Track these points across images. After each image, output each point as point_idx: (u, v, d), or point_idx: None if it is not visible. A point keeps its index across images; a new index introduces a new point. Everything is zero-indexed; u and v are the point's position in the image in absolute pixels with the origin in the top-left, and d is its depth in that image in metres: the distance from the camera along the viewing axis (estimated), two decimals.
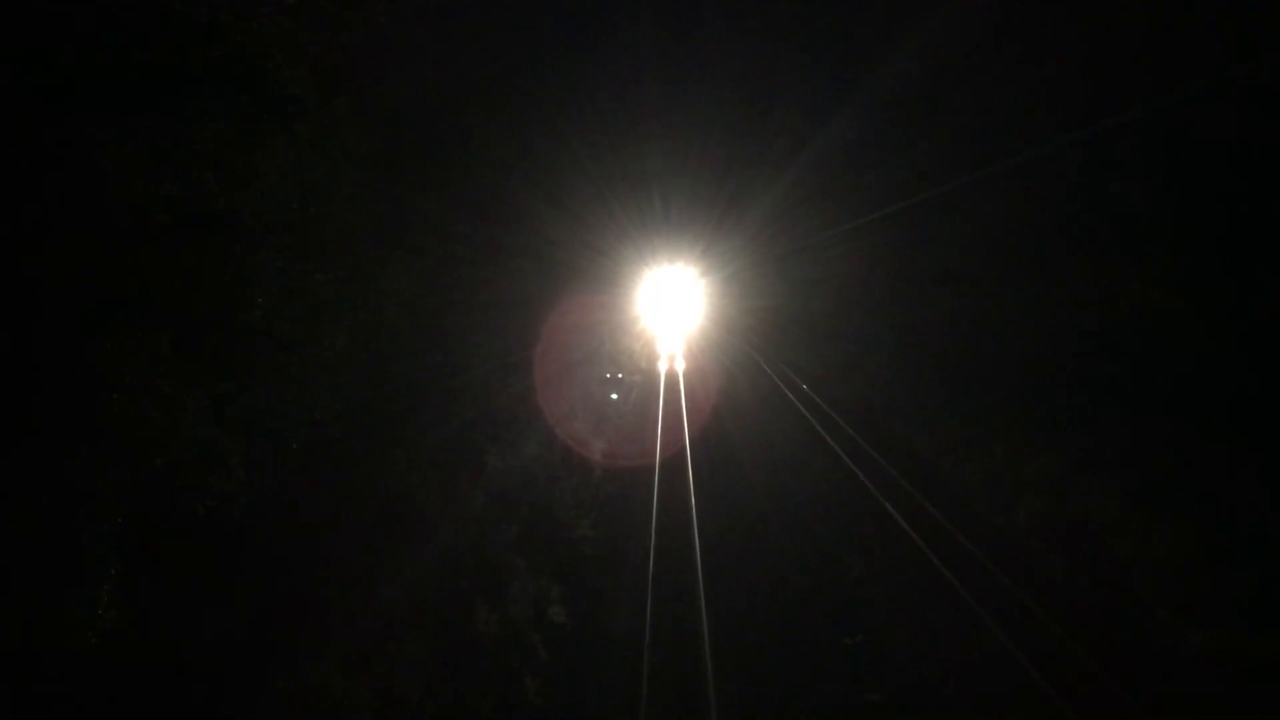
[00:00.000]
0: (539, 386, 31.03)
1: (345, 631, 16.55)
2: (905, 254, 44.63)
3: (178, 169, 13.65)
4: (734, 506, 28.75)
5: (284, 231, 16.30)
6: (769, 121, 53.97)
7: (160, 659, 13.76)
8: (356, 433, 19.31)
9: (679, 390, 48.64)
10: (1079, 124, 28.14)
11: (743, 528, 26.75)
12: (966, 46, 35.76)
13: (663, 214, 57.96)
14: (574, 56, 38.23)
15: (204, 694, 14.03)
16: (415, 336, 22.03)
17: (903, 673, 18.55)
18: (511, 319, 28.74)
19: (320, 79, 16.38)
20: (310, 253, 17.23)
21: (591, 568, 24.23)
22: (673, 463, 33.43)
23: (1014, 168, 31.69)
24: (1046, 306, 30.66)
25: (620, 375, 49.14)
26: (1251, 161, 22.72)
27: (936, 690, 17.88)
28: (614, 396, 45.50)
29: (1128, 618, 19.87)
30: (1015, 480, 26.85)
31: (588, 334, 40.16)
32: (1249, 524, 19.94)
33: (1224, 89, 22.41)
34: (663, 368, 56.50)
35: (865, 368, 46.40)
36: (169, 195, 13.58)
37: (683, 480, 31.07)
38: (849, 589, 22.47)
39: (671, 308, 74.55)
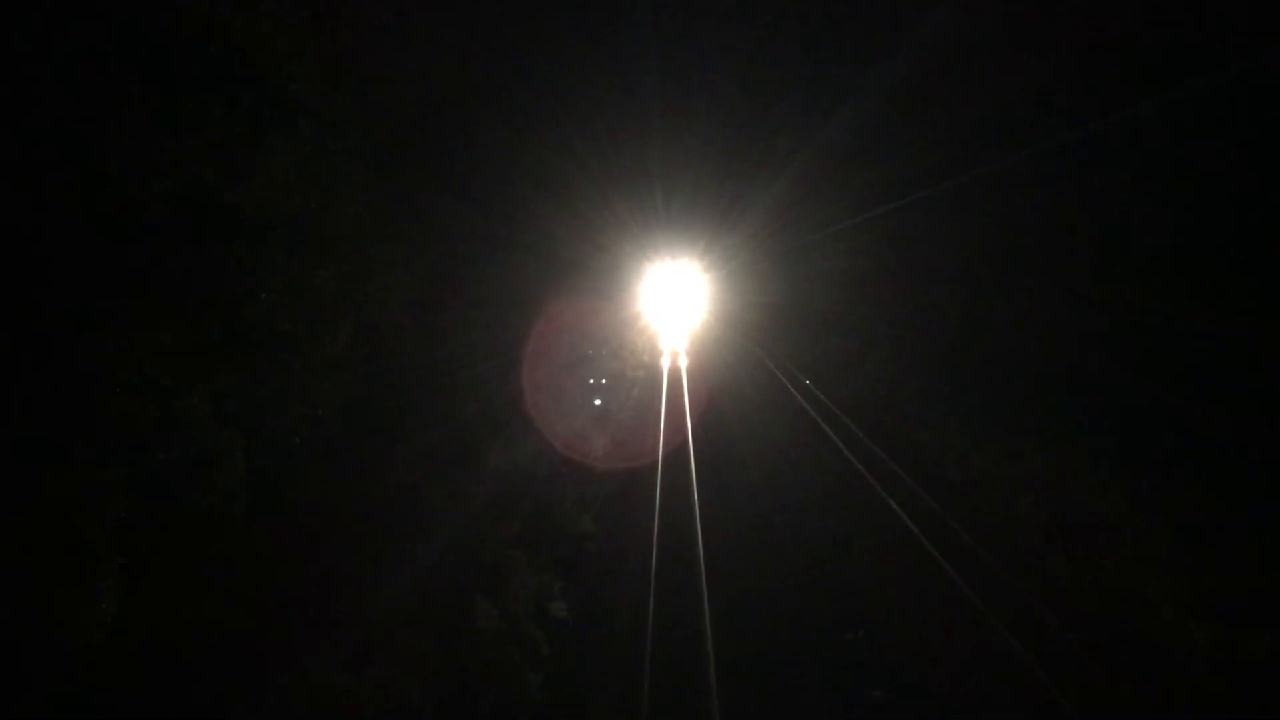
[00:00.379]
0: (541, 383, 30.93)
1: (347, 627, 16.55)
2: (908, 251, 44.53)
3: (179, 165, 13.64)
4: (736, 502, 28.74)
5: (285, 228, 16.27)
6: (771, 117, 53.79)
7: (162, 654, 13.78)
8: (358, 429, 19.27)
9: (681, 386, 48.57)
10: (1080, 122, 28.10)
11: (744, 523, 26.75)
12: (969, 43, 35.65)
13: (665, 209, 57.71)
14: (576, 52, 38.11)
15: (206, 689, 14.05)
16: (416, 333, 21.98)
17: (903, 668, 18.57)
18: (513, 315, 28.65)
19: (322, 75, 16.37)
20: (311, 249, 17.19)
21: (593, 564, 24.22)
22: (675, 458, 33.39)
23: (1016, 165, 31.63)
24: (1049, 304, 30.60)
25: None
26: (1251, 160, 22.70)
27: (936, 685, 17.90)
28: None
29: (1128, 614, 19.85)
30: (1017, 477, 26.81)
31: (590, 330, 40.04)
32: (1249, 522, 19.92)
33: (1224, 87, 22.38)
34: (665, 363, 56.38)
35: (868, 364, 46.30)
36: (170, 191, 13.58)
37: (685, 476, 31.04)
38: (850, 584, 22.47)
39: (674, 303, 74.37)
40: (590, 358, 39.23)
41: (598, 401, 37.98)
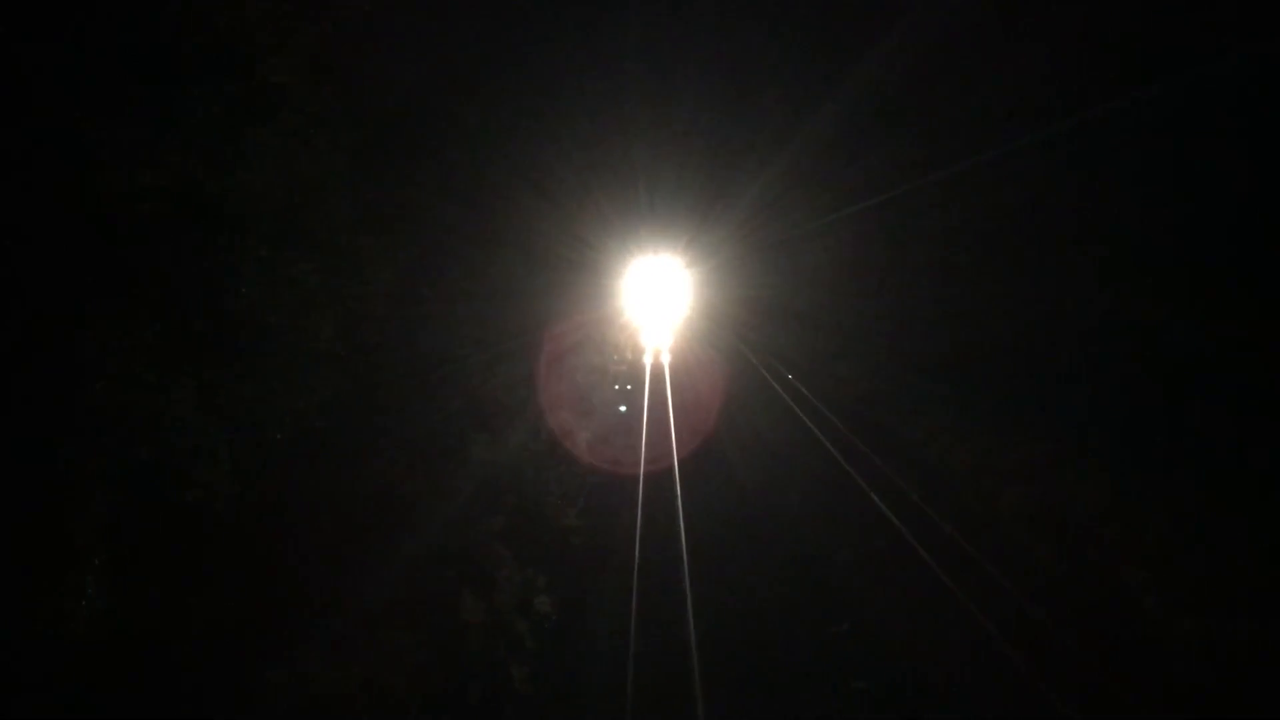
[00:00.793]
0: (525, 377, 30.95)
1: (332, 622, 16.49)
2: (893, 244, 44.76)
3: (162, 158, 13.55)
4: (720, 496, 28.80)
5: (269, 221, 16.19)
6: (756, 110, 53.96)
7: (147, 650, 13.70)
8: (342, 423, 19.21)
9: (664, 382, 48.60)
10: (1067, 115, 28.21)
11: (728, 517, 26.81)
12: (956, 36, 35.80)
13: (648, 203, 57.80)
14: (560, 46, 38.12)
15: (191, 685, 13.97)
16: (401, 326, 21.93)
17: (890, 661, 18.59)
18: (497, 309, 28.61)
19: (306, 67, 16.28)
20: (296, 242, 17.11)
21: (578, 558, 24.26)
22: (659, 452, 33.48)
23: (1002, 158, 31.79)
24: (1034, 296, 30.76)
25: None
26: (1240, 153, 22.82)
27: (923, 678, 17.93)
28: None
29: (1115, 606, 19.96)
30: (1002, 469, 26.95)
31: (573, 324, 40.04)
32: (1236, 512, 20.05)
33: (1212, 80, 22.49)
34: (648, 360, 56.35)
35: (853, 358, 46.51)
36: (153, 184, 13.50)
37: (669, 470, 31.10)
38: (836, 577, 22.52)
39: (657, 298, 74.40)
40: (574, 352, 39.21)
41: (582, 396, 38.00)
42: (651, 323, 69.94)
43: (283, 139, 16.34)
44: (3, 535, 11.99)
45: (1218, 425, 21.38)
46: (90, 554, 12.55)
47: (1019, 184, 32.04)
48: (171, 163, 13.77)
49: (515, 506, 24.07)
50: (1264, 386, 20.88)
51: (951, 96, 36.95)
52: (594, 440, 34.49)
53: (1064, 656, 17.83)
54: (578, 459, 31.57)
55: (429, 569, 19.65)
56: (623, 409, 44.39)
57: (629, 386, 47.07)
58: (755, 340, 61.47)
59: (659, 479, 30.43)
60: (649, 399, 44.11)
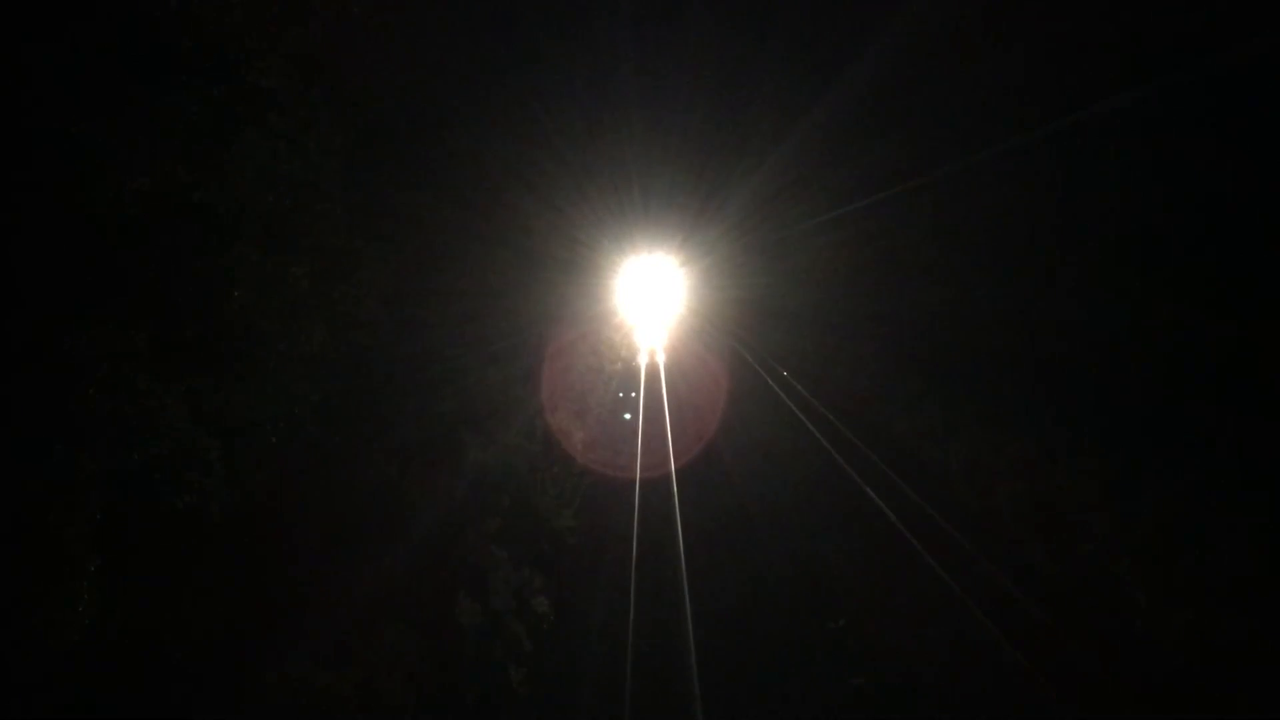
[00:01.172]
0: (519, 378, 30.97)
1: (327, 624, 16.50)
2: (887, 243, 44.75)
3: (151, 162, 13.54)
4: (716, 495, 28.84)
5: (259, 224, 16.19)
6: (749, 111, 53.99)
7: (141, 654, 13.71)
8: (335, 426, 19.23)
9: (660, 381, 48.62)
10: (1059, 115, 28.27)
11: (724, 516, 26.84)
12: (945, 38, 35.86)
13: (642, 203, 57.83)
14: (552, 45, 38.13)
15: (185, 689, 13.98)
16: (393, 328, 21.93)
17: (885, 657, 18.65)
18: (490, 310, 28.65)
19: (295, 70, 16.28)
20: (286, 246, 17.11)
21: (574, 558, 24.29)
22: (654, 450, 33.51)
23: (994, 158, 31.84)
24: (1026, 294, 30.79)
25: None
26: (1229, 153, 22.88)
27: (918, 673, 17.99)
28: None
29: (1107, 600, 20.02)
30: (995, 465, 26.99)
31: (568, 325, 40.08)
32: (1226, 507, 20.09)
33: (1202, 80, 22.54)
34: (643, 360, 56.34)
35: (847, 356, 46.53)
36: (143, 189, 13.48)
37: (664, 470, 31.13)
38: (831, 574, 22.56)
39: (651, 298, 74.44)
40: (568, 352, 39.24)
41: (577, 396, 38.02)
42: (646, 322, 70.00)
43: (273, 142, 16.33)
44: None
45: (1209, 421, 21.43)
46: (84, 559, 12.53)
47: (1010, 184, 32.10)
48: (162, 167, 13.76)
49: (510, 507, 24.09)
50: (1256, 382, 20.94)
51: (942, 98, 37.02)
52: (589, 440, 34.54)
53: (1058, 651, 17.89)
54: (573, 459, 31.61)
55: (424, 571, 19.67)
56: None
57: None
58: (749, 339, 61.53)
59: (654, 478, 30.46)
60: (644, 398, 44.16)
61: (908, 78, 40.01)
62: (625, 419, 43.94)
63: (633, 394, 46.96)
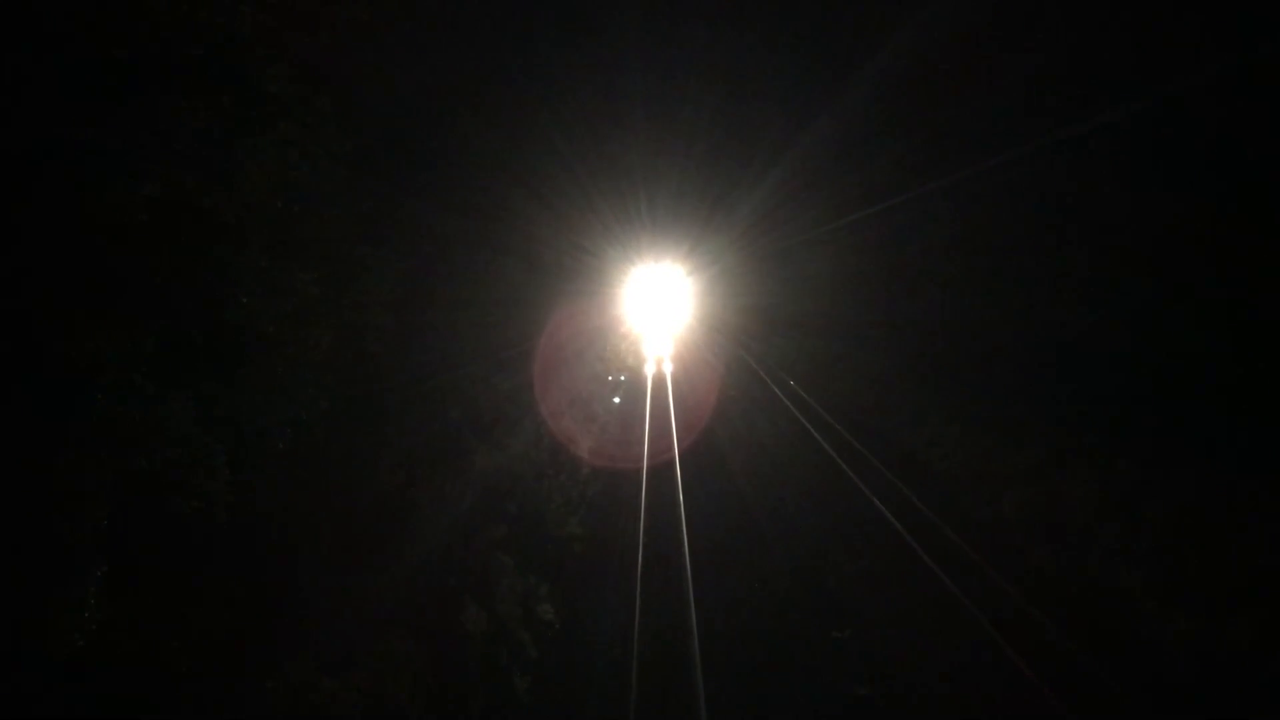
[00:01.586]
0: (525, 385, 31.00)
1: (332, 631, 16.50)
2: (893, 251, 44.75)
3: (158, 168, 13.58)
4: (722, 503, 28.81)
5: (267, 230, 16.21)
6: (755, 118, 53.96)
7: (146, 659, 13.70)
8: (342, 432, 19.23)
9: (666, 392, 48.55)
10: (1066, 122, 28.25)
11: (731, 524, 26.82)
12: (955, 43, 35.85)
13: (648, 211, 57.83)
14: (559, 53, 38.18)
15: (190, 694, 13.98)
16: (401, 335, 21.94)
17: (890, 666, 18.60)
18: (497, 317, 28.68)
19: (303, 77, 16.31)
20: (294, 252, 17.13)
21: (580, 566, 24.27)
22: (661, 459, 33.50)
23: (1001, 165, 31.81)
24: (1033, 302, 30.78)
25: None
26: (1235, 160, 22.84)
27: (924, 682, 17.94)
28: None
29: (1114, 609, 19.96)
30: (1001, 473, 26.95)
31: (574, 333, 40.11)
32: (1232, 515, 20.04)
33: (1210, 88, 22.51)
34: (650, 370, 56.24)
35: (853, 364, 46.52)
36: (150, 194, 13.52)
37: (670, 477, 31.11)
38: (836, 583, 22.52)
39: (658, 306, 74.41)
40: (575, 360, 39.27)
41: (584, 404, 38.05)
42: (653, 331, 69.98)
43: (280, 148, 16.36)
44: (2, 546, 11.99)
45: (1217, 429, 21.39)
46: (90, 563, 12.55)
47: (1015, 192, 32.10)
48: (170, 172, 13.80)
49: (517, 515, 24.10)
50: (1260, 389, 20.89)
51: (949, 105, 37.01)
52: (596, 448, 34.54)
53: (1064, 660, 17.82)
54: (580, 467, 31.61)
55: (430, 578, 19.67)
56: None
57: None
58: (756, 347, 61.51)
59: (661, 486, 30.44)
60: (651, 407, 44.15)
61: (916, 85, 40.01)
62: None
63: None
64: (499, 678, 18.32)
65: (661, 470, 32.22)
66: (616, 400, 45.28)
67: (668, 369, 58.06)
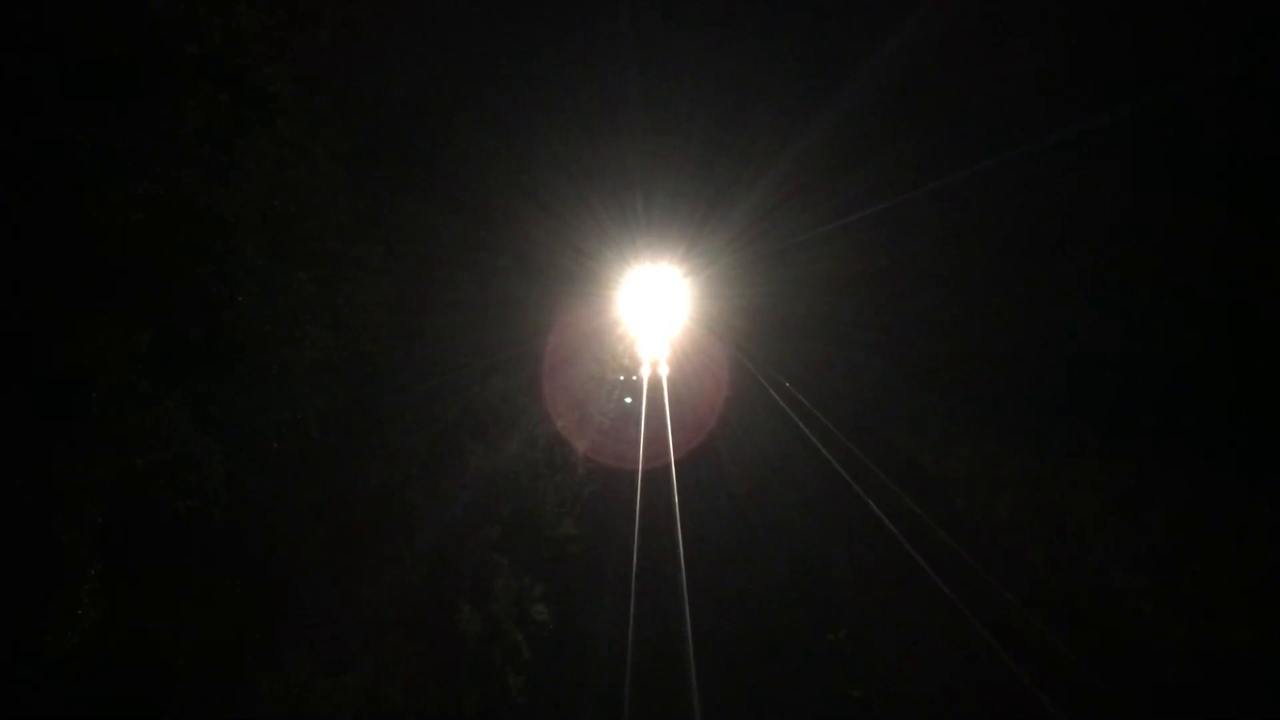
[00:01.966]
0: (521, 387, 30.99)
1: (327, 631, 16.49)
2: (891, 253, 44.79)
3: (156, 166, 13.56)
4: (717, 505, 28.80)
5: (264, 230, 16.21)
6: (752, 119, 54.00)
7: (141, 659, 13.69)
8: (338, 433, 19.22)
9: (662, 394, 48.51)
10: (1063, 123, 28.29)
11: (726, 525, 26.80)
12: (952, 46, 35.89)
13: (644, 212, 57.78)
14: (554, 53, 38.20)
15: (185, 695, 13.97)
16: (397, 336, 21.94)
17: (885, 668, 18.59)
18: (493, 319, 28.68)
19: (300, 76, 16.31)
20: (291, 251, 17.14)
21: (575, 567, 24.25)
22: (656, 460, 33.50)
23: (998, 167, 31.87)
24: (1029, 305, 30.80)
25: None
26: (1235, 162, 22.87)
27: (918, 685, 17.94)
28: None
29: (1108, 612, 19.97)
30: (997, 476, 26.96)
31: (570, 334, 40.09)
32: (1228, 519, 20.07)
33: (1212, 88, 22.54)
34: (645, 372, 56.08)
35: (850, 366, 46.54)
36: (147, 193, 13.50)
37: (665, 478, 31.11)
38: (831, 585, 22.51)
39: (654, 308, 74.30)
40: (571, 362, 39.24)
41: (579, 405, 38.01)
42: (649, 332, 69.91)
43: (278, 148, 16.37)
44: None
45: (1211, 432, 21.42)
46: (86, 562, 12.53)
47: (1011, 194, 32.14)
48: (168, 171, 13.79)
49: (512, 516, 24.09)
50: (1258, 393, 20.92)
51: (946, 106, 37.07)
52: (592, 449, 34.52)
53: (1059, 662, 17.84)
54: (575, 468, 31.59)
55: (425, 578, 19.66)
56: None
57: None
58: (753, 349, 61.48)
59: (657, 488, 30.42)
60: (646, 408, 44.14)
61: (915, 85, 40.05)
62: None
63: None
64: (493, 678, 18.30)
65: (657, 471, 32.21)
66: (612, 402, 45.25)
67: (664, 370, 58.00)
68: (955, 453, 30.24)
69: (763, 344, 61.66)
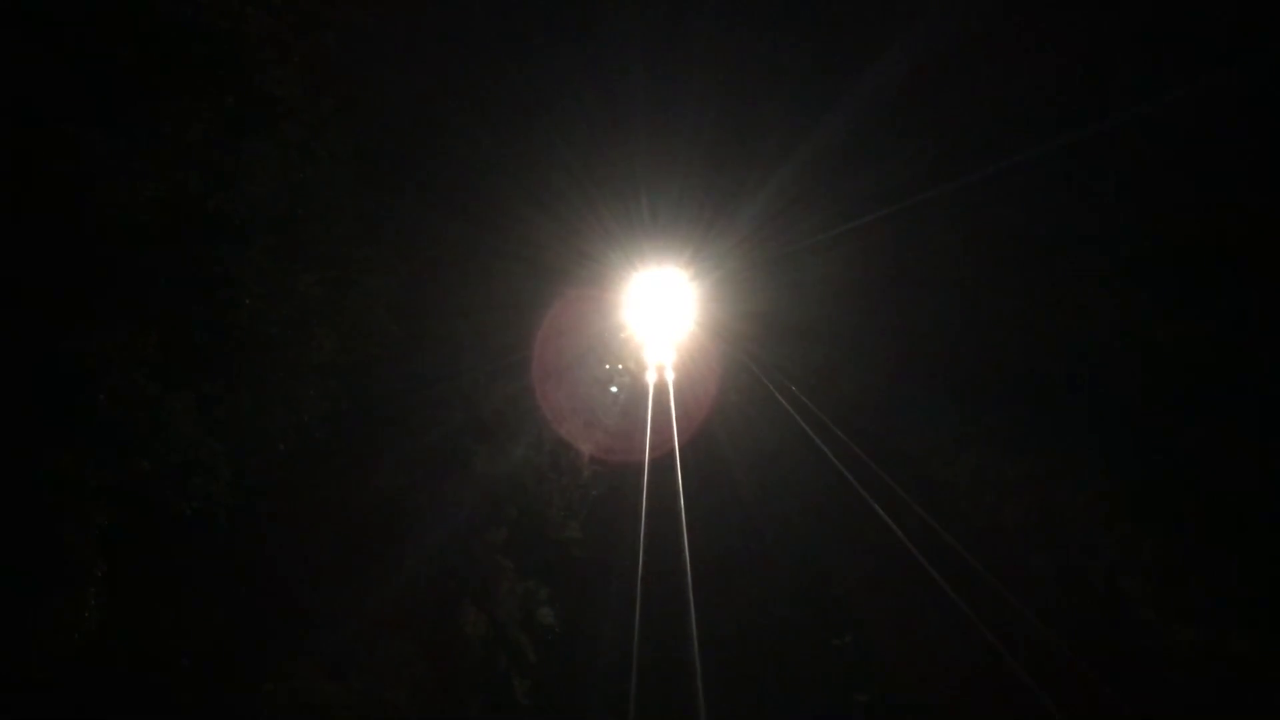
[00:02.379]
0: (527, 390, 30.97)
1: (332, 633, 16.49)
2: (898, 257, 44.67)
3: (163, 169, 13.60)
4: (723, 509, 28.77)
5: (270, 232, 16.24)
6: (759, 121, 53.90)
7: (145, 661, 13.70)
8: (344, 435, 19.23)
9: (669, 403, 48.30)
10: (1071, 128, 28.21)
11: (731, 529, 26.77)
12: (960, 49, 35.82)
13: (650, 216, 57.68)
14: (560, 56, 38.22)
15: (189, 696, 13.97)
16: (402, 339, 21.95)
17: (890, 672, 18.58)
18: (498, 322, 28.66)
19: (306, 79, 16.33)
20: (297, 254, 17.17)
21: (580, 570, 24.23)
22: (662, 465, 33.46)
23: (1005, 171, 31.76)
24: (1036, 309, 30.72)
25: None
26: (1240, 168, 22.80)
27: (923, 689, 17.91)
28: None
29: (1114, 617, 19.91)
30: (1003, 481, 26.89)
31: (574, 338, 40.08)
32: (1234, 524, 20.00)
33: (1219, 91, 22.48)
34: (651, 378, 55.85)
35: (856, 371, 46.41)
36: (155, 196, 13.53)
37: (673, 483, 31.06)
38: (838, 590, 22.48)
39: (660, 312, 74.10)
40: (576, 365, 39.22)
41: (584, 410, 38.00)
42: (655, 336, 69.78)
43: (284, 151, 16.40)
44: (3, 546, 11.99)
45: (1217, 438, 21.34)
46: (90, 564, 12.55)
47: (1019, 199, 32.06)
48: (175, 174, 13.82)
49: (517, 519, 24.07)
50: (1263, 399, 20.85)
51: (956, 109, 36.99)
52: (597, 453, 34.50)
53: (1064, 668, 17.78)
54: (580, 471, 31.58)
55: (430, 581, 19.65)
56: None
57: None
58: (759, 353, 61.32)
59: (662, 490, 30.38)
60: (653, 411, 44.09)
61: (923, 88, 39.98)
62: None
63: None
64: (498, 681, 18.30)
65: (663, 475, 32.15)
66: (618, 406, 45.25)
67: (669, 374, 57.84)
68: (962, 457, 30.15)
69: (770, 348, 61.48)
